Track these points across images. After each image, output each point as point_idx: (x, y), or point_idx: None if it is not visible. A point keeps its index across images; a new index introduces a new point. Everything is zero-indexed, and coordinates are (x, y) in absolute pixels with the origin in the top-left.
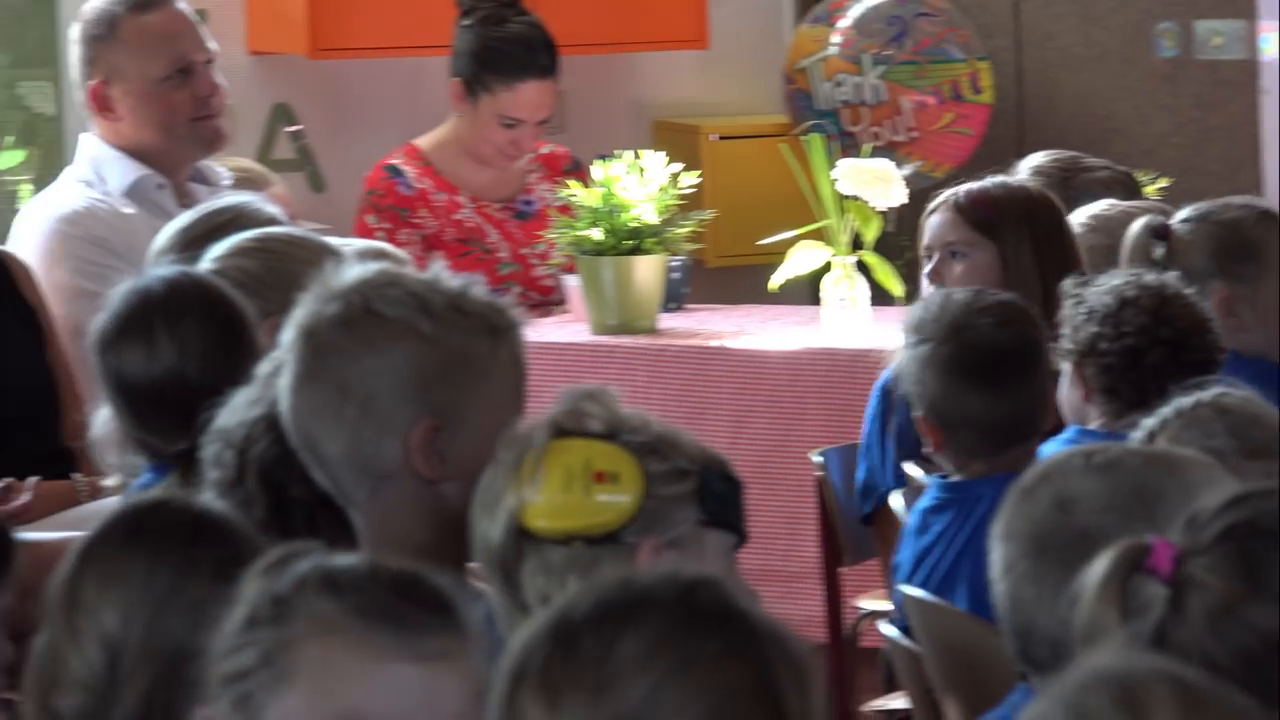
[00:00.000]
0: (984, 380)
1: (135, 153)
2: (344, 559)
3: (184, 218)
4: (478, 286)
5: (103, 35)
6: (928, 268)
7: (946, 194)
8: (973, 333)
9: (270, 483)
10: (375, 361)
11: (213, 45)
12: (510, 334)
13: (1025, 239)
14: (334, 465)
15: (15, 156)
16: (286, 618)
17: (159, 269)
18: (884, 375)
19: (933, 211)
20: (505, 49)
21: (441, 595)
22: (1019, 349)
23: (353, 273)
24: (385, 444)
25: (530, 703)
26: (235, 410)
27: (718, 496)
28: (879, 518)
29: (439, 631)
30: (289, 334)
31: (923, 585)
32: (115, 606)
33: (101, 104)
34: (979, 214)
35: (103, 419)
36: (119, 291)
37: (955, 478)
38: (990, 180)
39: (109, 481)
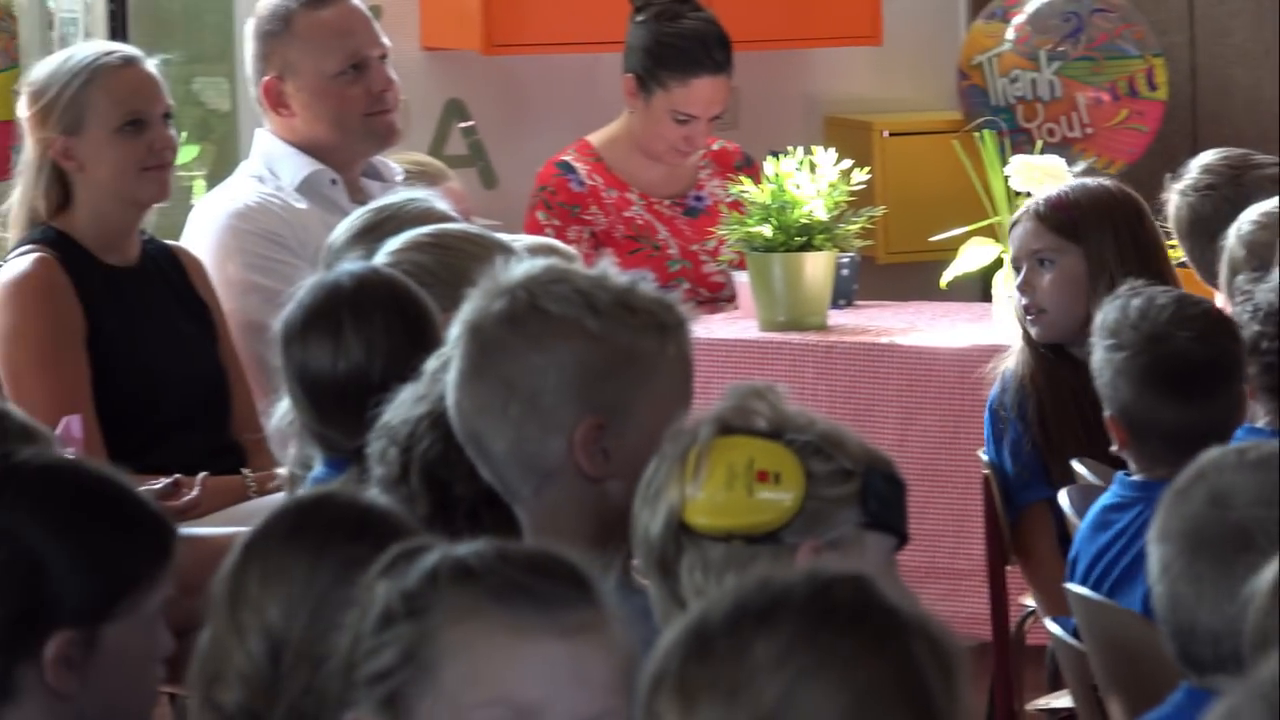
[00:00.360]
0: (1178, 393)
1: (308, 148)
2: (469, 546)
3: (360, 213)
4: (645, 283)
5: (277, 31)
6: (1018, 279)
7: (1027, 203)
8: (1171, 344)
9: (434, 480)
10: (540, 359)
11: (386, 41)
12: (677, 331)
13: (1108, 238)
14: (499, 462)
15: (190, 152)
16: (423, 612)
17: (349, 264)
18: (991, 395)
19: (1015, 222)
20: (680, 45)
21: (574, 569)
22: (1216, 362)
23: (520, 269)
24: (550, 442)
25: (667, 706)
26: (402, 407)
27: (880, 499)
28: (1020, 528)
29: (577, 605)
30: (456, 330)
31: (1101, 581)
32: (278, 601)
33: (275, 100)
34: (1060, 219)
35: (282, 411)
36: (308, 285)
37: (1138, 476)
38: (1069, 184)
39: (280, 474)
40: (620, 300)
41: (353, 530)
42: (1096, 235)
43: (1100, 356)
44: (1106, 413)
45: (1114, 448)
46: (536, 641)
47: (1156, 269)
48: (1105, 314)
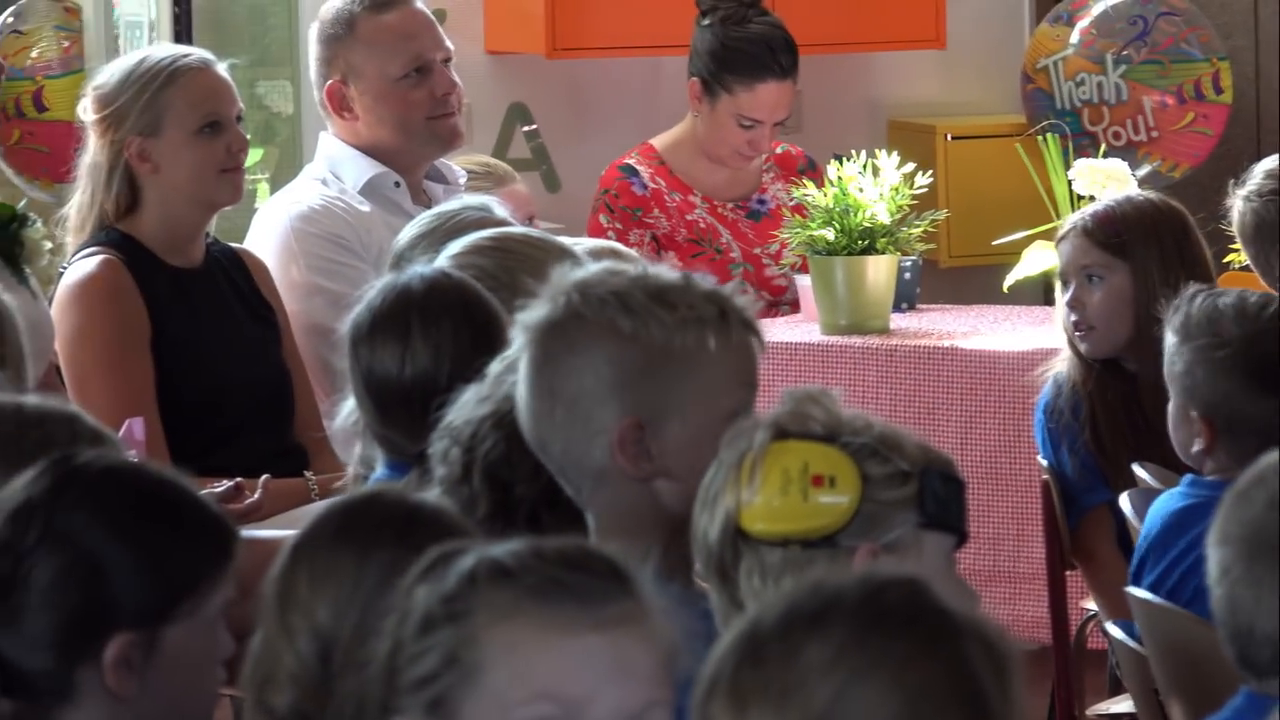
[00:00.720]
0: (1276, 389)
1: (372, 151)
2: (505, 546)
3: (426, 216)
4: (700, 279)
5: (341, 35)
6: (1066, 295)
7: (1073, 219)
8: (1270, 341)
9: (495, 481)
10: (577, 362)
11: (449, 44)
12: (722, 324)
13: (1154, 252)
14: (559, 466)
15: (254, 155)
16: (463, 614)
17: (418, 267)
18: (1042, 397)
19: (1063, 238)
20: (745, 49)
21: (611, 563)
22: None
23: (570, 274)
24: (594, 444)
25: (720, 711)
26: (465, 408)
27: (938, 499)
28: (1081, 531)
29: (615, 598)
30: (517, 335)
31: (1183, 584)
32: (326, 602)
33: (339, 103)
34: (1107, 234)
35: (346, 412)
36: (378, 287)
37: (1211, 477)
38: (1114, 199)
39: (345, 475)
40: (657, 297)
41: (400, 530)
42: (1142, 251)
43: (1190, 356)
44: (1193, 412)
45: (1197, 447)
46: (577, 636)
47: (1202, 282)
48: (1186, 315)
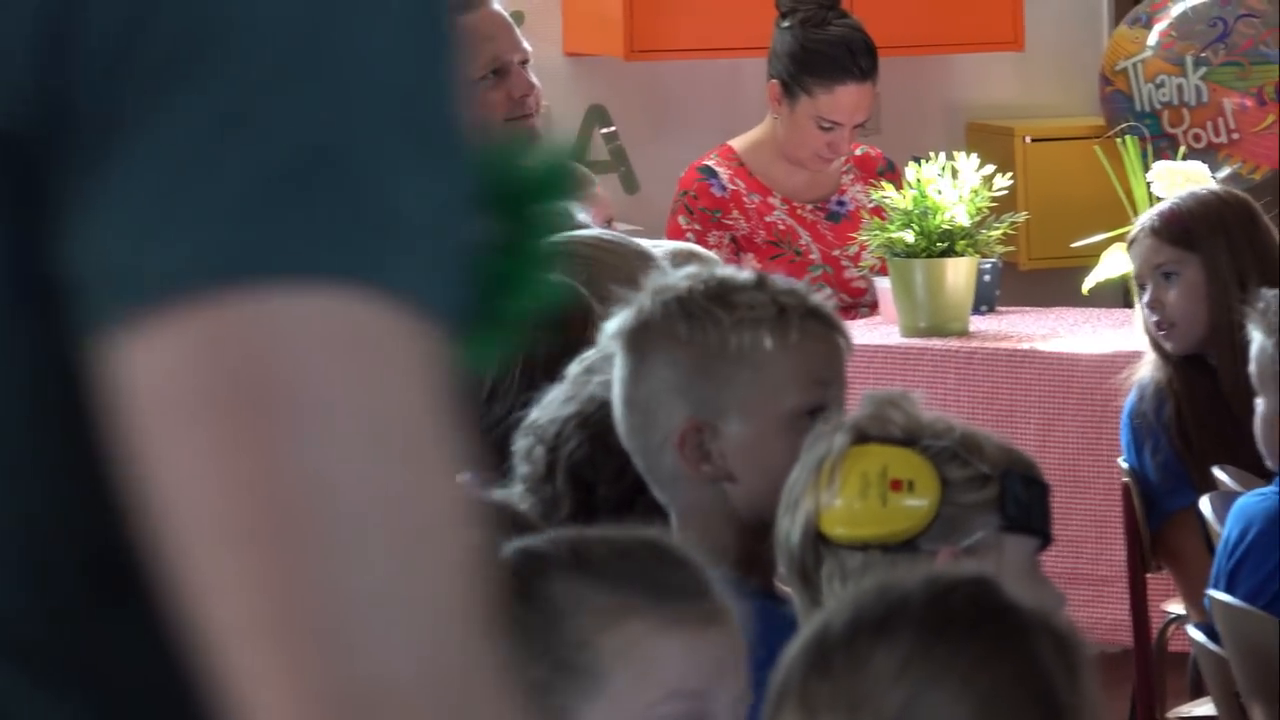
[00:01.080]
0: None
1: None
2: (587, 549)
3: None
4: (778, 279)
5: None
6: (1145, 297)
7: (1141, 221)
8: None
9: (579, 481)
10: (645, 368)
11: (526, 46)
12: (780, 323)
13: (1222, 242)
14: (644, 472)
15: None
16: (565, 619)
17: None
18: (1128, 403)
19: (1133, 242)
20: (825, 51)
21: (691, 559)
22: None
23: (655, 281)
24: (664, 449)
25: None
26: (549, 407)
27: (1019, 502)
28: (1167, 534)
29: (709, 592)
30: (601, 341)
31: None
32: None
33: None
34: (1175, 230)
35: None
36: None
37: None
38: (1177, 196)
39: None
40: (718, 298)
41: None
42: (1210, 242)
43: None
44: None
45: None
46: (689, 632)
47: (1274, 269)
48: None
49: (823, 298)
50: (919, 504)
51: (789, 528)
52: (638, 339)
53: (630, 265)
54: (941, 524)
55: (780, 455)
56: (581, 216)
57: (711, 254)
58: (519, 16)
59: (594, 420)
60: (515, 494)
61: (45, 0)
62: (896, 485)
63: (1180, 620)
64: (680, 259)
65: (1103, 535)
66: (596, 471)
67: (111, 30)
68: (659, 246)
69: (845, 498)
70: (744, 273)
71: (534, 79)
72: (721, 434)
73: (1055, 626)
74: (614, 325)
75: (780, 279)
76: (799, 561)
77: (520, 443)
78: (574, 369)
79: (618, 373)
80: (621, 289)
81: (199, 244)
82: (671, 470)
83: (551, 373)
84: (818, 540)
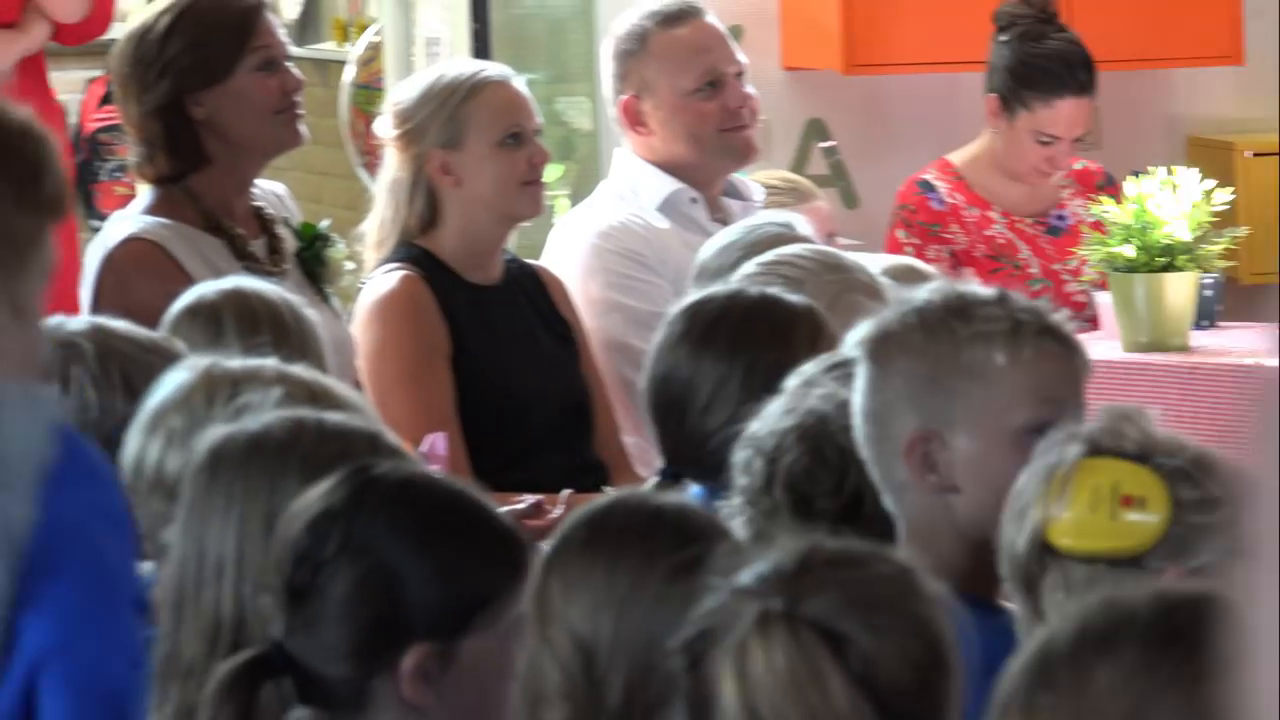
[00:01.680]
0: None
1: (668, 167)
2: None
3: (728, 232)
4: (1017, 296)
5: (634, 50)
6: None
7: None
8: None
9: (797, 493)
10: (880, 379)
11: (742, 58)
12: (1013, 339)
13: None
14: (877, 481)
15: (553, 171)
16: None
17: (724, 286)
18: None
19: None
20: (1044, 65)
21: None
22: None
23: (902, 295)
24: (893, 457)
25: None
26: (769, 419)
27: None
28: None
29: None
30: (844, 354)
31: None
32: (582, 610)
33: (633, 118)
34: None
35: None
36: (679, 306)
37: None
38: None
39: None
40: (957, 312)
41: (646, 530)
42: None
43: None
44: None
45: None
46: None
47: None
48: None
49: (1062, 317)
50: (1149, 521)
51: (1015, 535)
52: (877, 349)
53: (850, 281)
54: (1170, 543)
55: (1005, 471)
56: (805, 230)
57: (931, 268)
58: (737, 31)
59: (812, 433)
60: (734, 506)
61: None
62: (1127, 501)
63: None
64: (899, 273)
65: None
66: (815, 484)
67: None
68: (877, 261)
69: (1075, 510)
70: (987, 289)
71: (750, 90)
72: (949, 445)
73: None
74: (858, 334)
75: (1022, 297)
76: (1023, 570)
77: (739, 454)
78: (792, 382)
79: (858, 382)
80: (849, 303)
81: None
82: (900, 480)
83: (770, 385)
84: (1044, 550)
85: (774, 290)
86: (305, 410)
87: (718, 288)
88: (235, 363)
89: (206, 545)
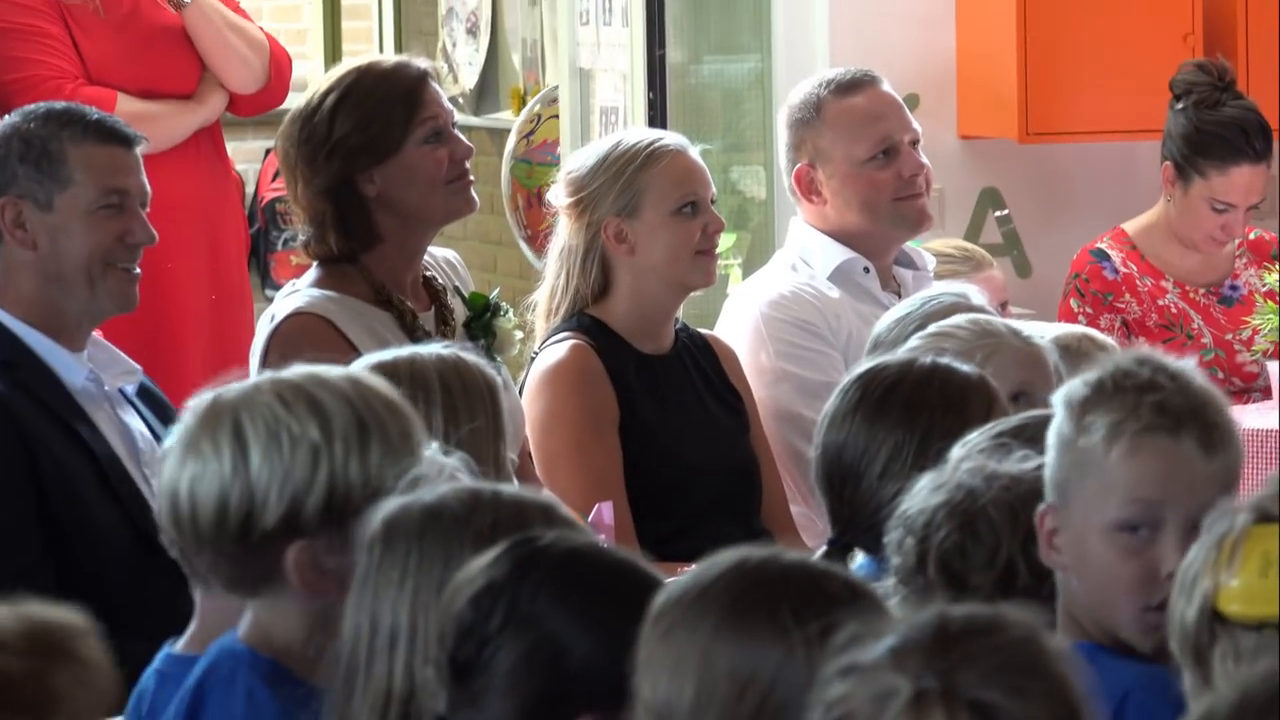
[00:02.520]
0: None
1: (840, 236)
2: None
3: (902, 306)
4: (1162, 376)
5: (808, 119)
6: None
7: None
8: None
9: (950, 570)
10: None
11: (916, 126)
12: (1119, 432)
13: None
14: None
15: (727, 240)
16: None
17: (897, 355)
18: None
19: None
20: (1219, 133)
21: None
22: None
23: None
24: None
25: None
26: (919, 496)
27: None
28: None
29: None
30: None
31: None
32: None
33: (807, 187)
34: None
35: None
36: (852, 375)
37: None
38: None
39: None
40: (1096, 387)
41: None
42: None
43: None
44: None
45: None
46: None
47: None
48: None
49: (1213, 409)
50: None
51: (1184, 607)
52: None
53: (1028, 353)
54: None
55: (1101, 561)
56: (980, 301)
57: (1110, 339)
58: (913, 99)
59: (961, 508)
60: (889, 587)
61: None
62: None
63: None
64: (1075, 343)
65: None
66: (967, 560)
67: None
68: (1051, 330)
69: (1244, 576)
70: (1147, 367)
71: (924, 159)
72: (1066, 526)
73: None
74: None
75: (1188, 379)
76: (1193, 640)
77: (892, 535)
78: (957, 452)
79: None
80: (998, 367)
81: None
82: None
83: (943, 456)
84: (1213, 619)
85: (947, 360)
86: (483, 483)
87: (890, 357)
88: (231, 392)
89: (379, 617)
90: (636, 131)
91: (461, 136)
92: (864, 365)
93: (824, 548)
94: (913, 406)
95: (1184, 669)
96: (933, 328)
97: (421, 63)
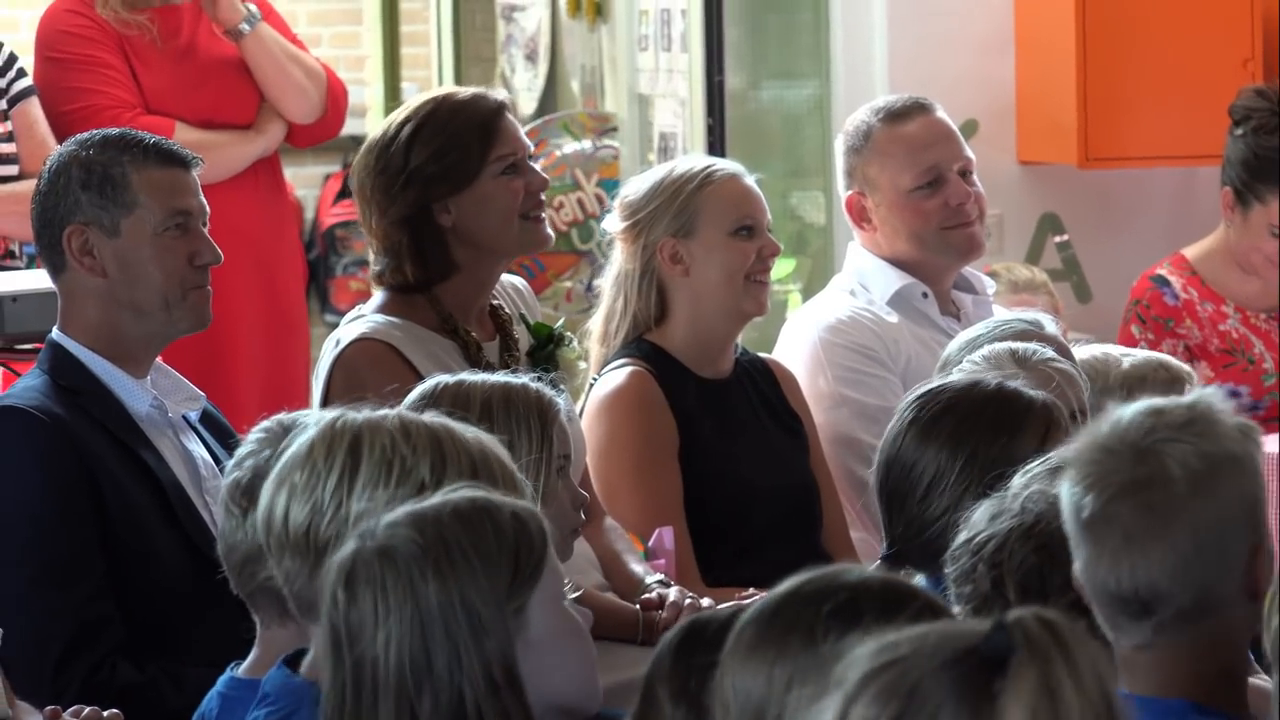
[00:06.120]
0: None
1: (896, 262)
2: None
3: (973, 329)
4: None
5: (859, 146)
6: None
7: None
8: None
9: (1029, 593)
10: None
11: (969, 153)
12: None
13: None
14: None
15: (786, 265)
16: None
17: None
18: None
19: None
20: (1278, 158)
21: None
22: None
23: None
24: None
25: None
26: (978, 524)
27: None
28: None
29: None
30: None
31: None
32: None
33: (858, 215)
34: None
35: None
36: (913, 393)
37: None
38: None
39: None
40: (1182, 426)
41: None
42: None
43: None
44: None
45: None
46: None
47: None
48: None
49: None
50: None
51: (1276, 614)
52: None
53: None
54: None
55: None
56: (1052, 328)
57: (1184, 366)
58: (972, 126)
59: (1037, 531)
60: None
61: None
62: None
63: None
64: (1151, 371)
65: None
66: (1045, 582)
67: None
68: (1130, 355)
69: None
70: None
71: (976, 186)
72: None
73: None
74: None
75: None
76: None
77: (954, 565)
78: (1018, 480)
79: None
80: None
81: None
82: (1226, 592)
83: (992, 477)
84: None
85: (1015, 384)
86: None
87: (953, 378)
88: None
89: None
90: (691, 158)
91: (537, 169)
92: (926, 384)
93: (877, 561)
94: (962, 426)
95: (1273, 675)
96: (984, 350)
97: (499, 94)
